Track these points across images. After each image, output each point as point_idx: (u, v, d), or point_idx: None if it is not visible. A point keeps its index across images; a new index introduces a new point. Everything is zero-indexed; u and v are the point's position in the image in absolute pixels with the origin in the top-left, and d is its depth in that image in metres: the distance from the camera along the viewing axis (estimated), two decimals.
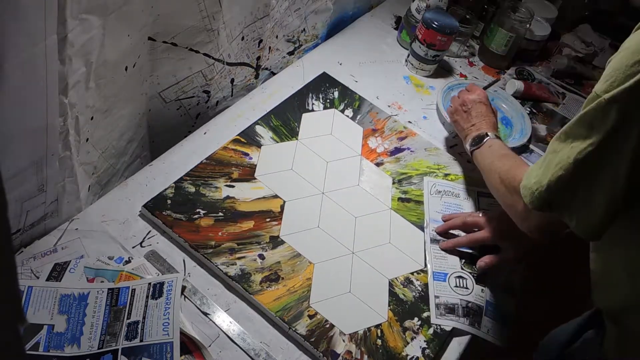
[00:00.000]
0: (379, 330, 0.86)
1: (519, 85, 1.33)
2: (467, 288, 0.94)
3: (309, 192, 1.01)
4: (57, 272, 0.81)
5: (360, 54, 1.34)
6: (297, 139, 1.09)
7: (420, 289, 0.93)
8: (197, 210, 0.93)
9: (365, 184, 1.06)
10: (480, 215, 0.99)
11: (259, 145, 1.06)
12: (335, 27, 1.39)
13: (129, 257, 0.84)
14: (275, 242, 0.92)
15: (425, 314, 0.90)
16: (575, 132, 0.68)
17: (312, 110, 1.16)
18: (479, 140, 1.02)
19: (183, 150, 1.02)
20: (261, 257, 0.90)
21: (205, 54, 0.99)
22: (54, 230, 0.86)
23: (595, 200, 0.66)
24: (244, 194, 0.97)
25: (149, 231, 0.89)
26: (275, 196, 0.98)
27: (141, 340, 0.76)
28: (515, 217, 0.84)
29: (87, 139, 0.84)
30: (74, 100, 0.75)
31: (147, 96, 0.99)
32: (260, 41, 1.13)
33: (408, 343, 0.86)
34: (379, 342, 0.85)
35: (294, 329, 0.83)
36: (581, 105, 0.70)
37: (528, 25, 1.37)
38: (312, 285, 0.88)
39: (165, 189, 0.94)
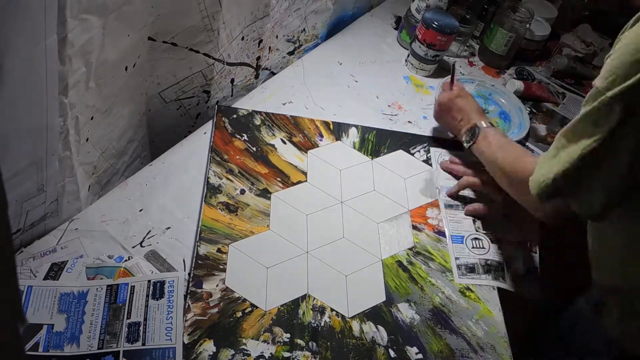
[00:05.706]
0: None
1: (519, 85, 1.33)
2: (483, 248, 1.01)
3: (328, 202, 1.01)
4: (54, 271, 0.81)
5: (360, 54, 1.34)
6: (371, 159, 1.10)
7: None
8: (244, 134, 1.05)
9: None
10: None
11: (338, 138, 1.11)
12: (335, 27, 1.39)
13: (128, 257, 0.85)
14: (264, 194, 0.98)
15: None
16: (580, 128, 0.71)
17: (411, 154, 1.14)
18: (472, 135, 1.02)
19: (183, 150, 1.02)
20: (242, 191, 0.96)
21: (205, 54, 0.99)
22: (54, 230, 0.86)
23: (599, 189, 0.71)
24: (285, 153, 1.05)
25: (149, 231, 0.89)
26: (304, 173, 1.03)
27: (143, 344, 0.76)
28: (528, 206, 0.87)
29: (87, 139, 0.84)
30: (74, 100, 0.75)
31: (147, 96, 0.99)
32: (260, 41, 1.13)
33: None
34: None
35: (198, 244, 0.87)
36: (581, 106, 0.72)
37: (528, 25, 1.37)
38: (248, 239, 0.91)
39: (243, 109, 1.09)
